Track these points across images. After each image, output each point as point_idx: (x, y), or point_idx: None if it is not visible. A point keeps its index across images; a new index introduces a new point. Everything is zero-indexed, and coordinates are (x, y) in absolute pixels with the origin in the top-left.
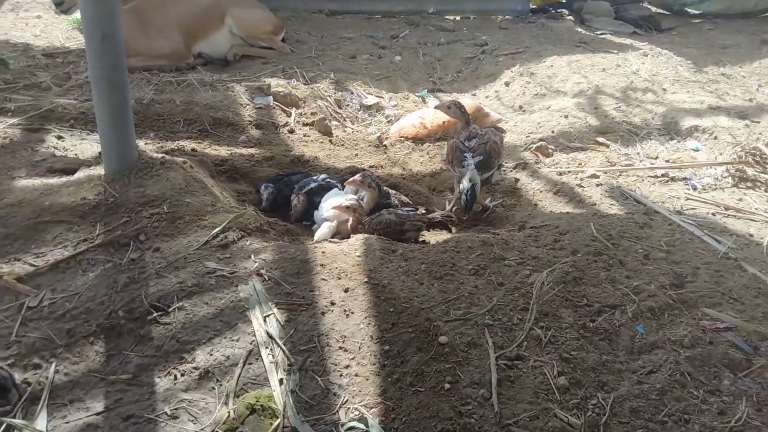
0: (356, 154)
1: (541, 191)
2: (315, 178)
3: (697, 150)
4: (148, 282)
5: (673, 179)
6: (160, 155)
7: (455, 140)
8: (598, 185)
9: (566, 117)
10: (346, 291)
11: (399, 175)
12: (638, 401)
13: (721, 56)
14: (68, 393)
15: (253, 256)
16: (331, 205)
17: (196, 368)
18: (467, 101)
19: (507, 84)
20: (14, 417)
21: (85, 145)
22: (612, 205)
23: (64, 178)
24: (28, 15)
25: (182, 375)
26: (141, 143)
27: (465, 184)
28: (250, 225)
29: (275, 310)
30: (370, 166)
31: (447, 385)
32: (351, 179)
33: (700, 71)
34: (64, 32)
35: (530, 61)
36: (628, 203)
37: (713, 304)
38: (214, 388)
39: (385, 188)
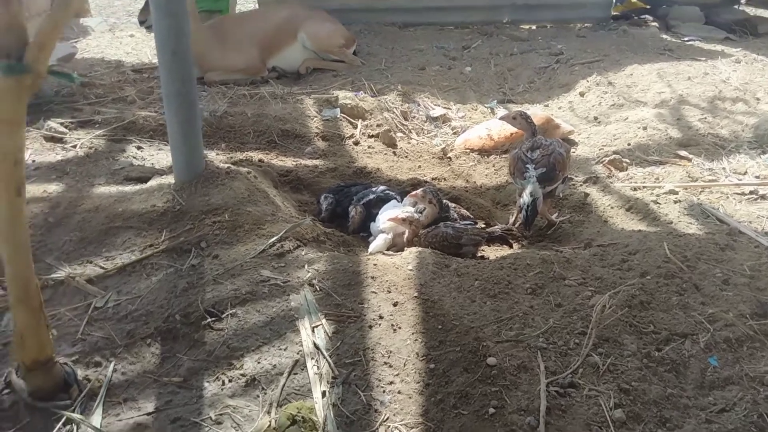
0: (419, 166)
1: (612, 207)
2: (374, 189)
3: None
4: (205, 288)
5: (763, 197)
6: (225, 165)
7: (517, 151)
8: (676, 202)
9: (645, 129)
10: (395, 305)
11: (462, 188)
12: None
13: None
14: (123, 392)
15: (306, 266)
16: (388, 216)
17: (243, 375)
18: (536, 112)
19: (582, 94)
20: (73, 411)
21: (161, 155)
22: (690, 224)
23: (138, 186)
24: (122, 34)
25: (230, 381)
26: (212, 154)
27: (525, 198)
28: (306, 235)
29: (324, 321)
30: (432, 179)
31: (492, 410)
32: (413, 193)
33: None
34: (152, 49)
35: (608, 70)
36: (709, 222)
37: None
38: (258, 396)
39: (444, 201)
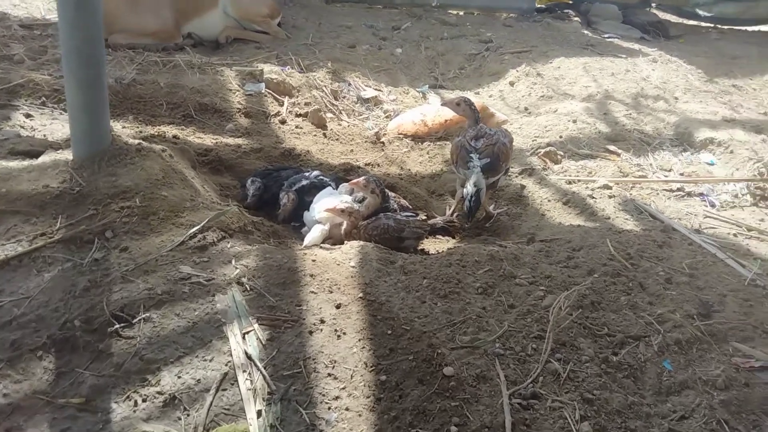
0: (351, 150)
1: (549, 200)
2: (307, 174)
3: (711, 164)
4: (111, 287)
5: (689, 194)
6: (136, 141)
7: (461, 139)
8: (610, 197)
9: (575, 122)
10: (338, 307)
11: (396, 176)
12: None
13: (732, 67)
14: (5, 419)
15: (234, 261)
16: (324, 206)
17: (160, 393)
18: (475, 100)
19: (512, 84)
20: None
21: (56, 126)
22: (627, 219)
23: (27, 162)
24: None
25: (144, 401)
26: (118, 126)
27: (469, 188)
28: (232, 225)
29: (256, 326)
30: (366, 164)
31: (454, 428)
32: (354, 181)
33: (711, 81)
34: (46, 3)
35: (537, 61)
36: (643, 218)
37: (744, 338)
38: (180, 419)
39: (386, 191)
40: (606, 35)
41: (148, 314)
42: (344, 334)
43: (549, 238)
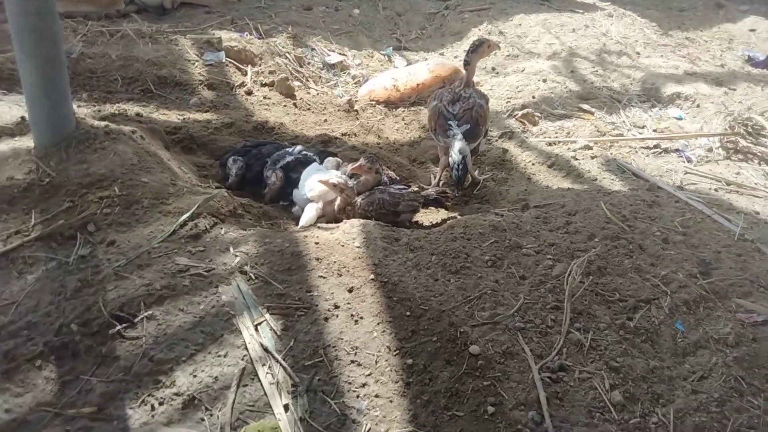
0: (325, 120)
1: (533, 164)
2: (290, 150)
3: (680, 119)
4: (105, 285)
5: (666, 151)
6: (103, 124)
7: (437, 104)
8: (593, 157)
9: (544, 81)
10: (350, 291)
11: (375, 145)
12: (700, 416)
13: (682, 19)
14: None
15: (231, 249)
16: (315, 181)
17: (177, 394)
18: (444, 62)
19: None
20: None
21: (2, 108)
22: (613, 180)
23: None
24: None
25: (161, 404)
26: (73, 106)
27: (455, 157)
28: (222, 209)
29: (267, 316)
30: (342, 134)
31: (491, 408)
32: (357, 165)
33: (666, 34)
34: None
35: (497, 19)
36: (627, 178)
37: (744, 293)
38: (203, 420)
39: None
40: None
41: (150, 312)
42: (361, 318)
43: (542, 203)
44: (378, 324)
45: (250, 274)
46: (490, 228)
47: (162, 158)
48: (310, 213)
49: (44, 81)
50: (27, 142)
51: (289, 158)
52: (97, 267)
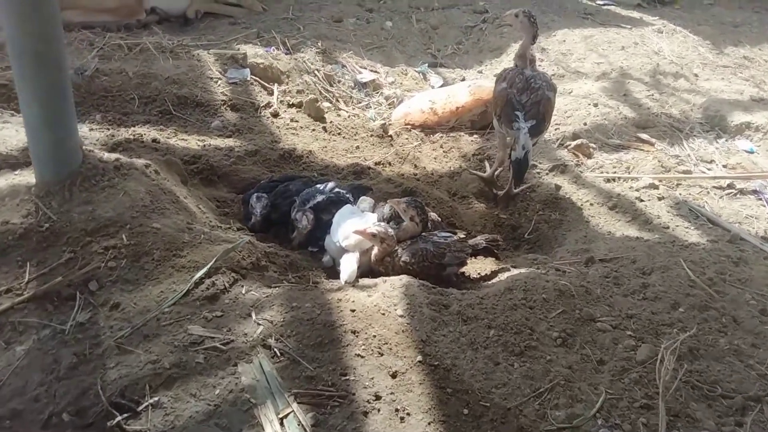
0: (357, 147)
1: (591, 204)
2: (321, 188)
3: (752, 152)
4: (105, 361)
5: (741, 192)
6: (113, 157)
7: (508, 89)
8: (660, 198)
9: (595, 105)
10: (393, 376)
11: (411, 176)
12: None
13: (737, 36)
14: None
15: (254, 314)
16: (351, 229)
17: None
18: (482, 84)
19: None
20: None
21: (9, 132)
22: (687, 229)
23: None
24: None
25: None
26: (84, 128)
27: (518, 152)
28: (243, 261)
29: (295, 406)
30: (375, 164)
31: None
32: (396, 201)
33: (721, 53)
34: None
35: (539, 34)
36: (702, 225)
37: None
38: None
39: (429, 214)
40: (601, 2)
41: (156, 398)
42: (408, 415)
43: (608, 256)
44: (429, 424)
45: (275, 350)
46: (556, 293)
47: (178, 196)
48: (351, 266)
49: (47, 111)
50: (29, 177)
51: (319, 198)
52: (96, 337)
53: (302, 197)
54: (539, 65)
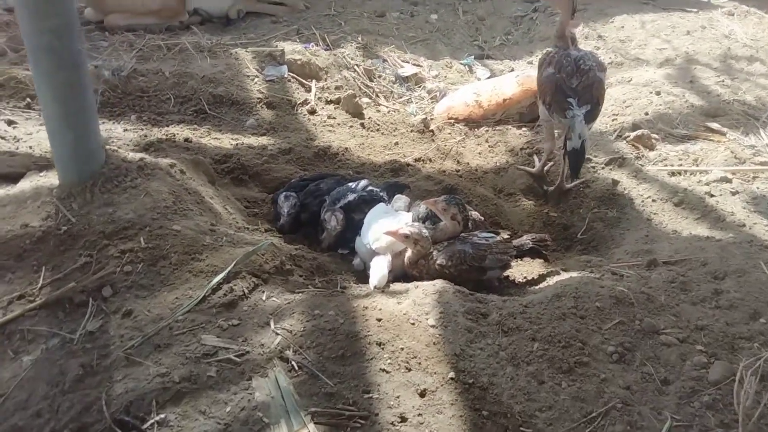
0: (396, 143)
1: (653, 200)
2: (353, 186)
3: None
4: (112, 374)
5: None
6: (137, 157)
7: (556, 74)
8: (733, 193)
9: (658, 94)
10: (422, 395)
11: (453, 172)
12: None
13: None
14: None
15: (273, 323)
16: (382, 230)
17: None
18: (531, 74)
19: None
20: None
21: (44, 134)
22: (767, 227)
23: (2, 190)
24: None
25: None
26: (118, 129)
27: (575, 141)
28: (266, 265)
29: (312, 427)
30: (415, 160)
31: None
32: (431, 201)
33: None
34: None
35: (595, 21)
36: None
37: None
38: None
39: (470, 213)
40: None
41: (163, 414)
42: None
43: (674, 258)
44: None
45: (293, 363)
46: (612, 300)
47: (203, 197)
48: (381, 270)
49: (66, 111)
50: (53, 178)
51: (351, 196)
52: (105, 347)
53: (332, 196)
54: (597, 52)
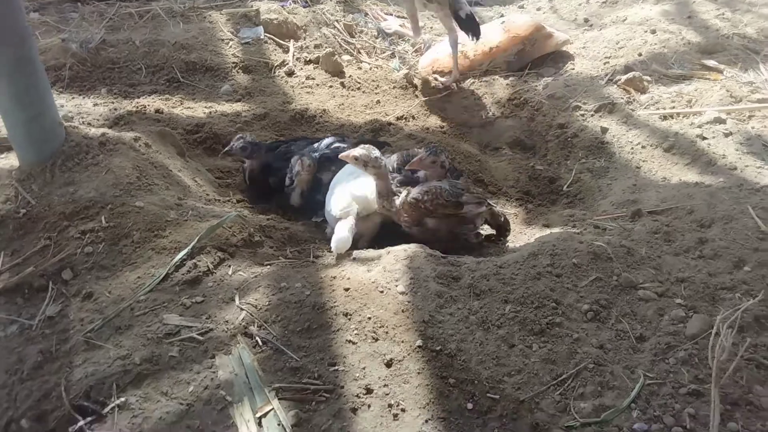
0: (377, 101)
1: (643, 147)
2: (316, 146)
3: None
4: (72, 358)
5: None
6: (99, 132)
7: None
8: (727, 135)
9: (653, 32)
10: (388, 365)
11: (437, 129)
12: None
13: None
14: None
15: (237, 299)
16: (342, 196)
17: None
18: (521, 19)
19: None
20: None
21: None
22: (760, 169)
23: None
24: None
25: None
26: (88, 103)
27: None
28: (233, 238)
29: (276, 403)
30: (397, 118)
31: None
32: (416, 160)
33: None
34: None
35: None
36: None
37: None
38: None
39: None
40: None
41: (124, 398)
42: (403, 411)
43: (660, 207)
44: (426, 422)
45: (257, 338)
46: (590, 256)
47: (170, 170)
48: (341, 234)
49: (15, 90)
50: (14, 160)
51: (314, 155)
52: (65, 332)
53: (295, 158)
54: None
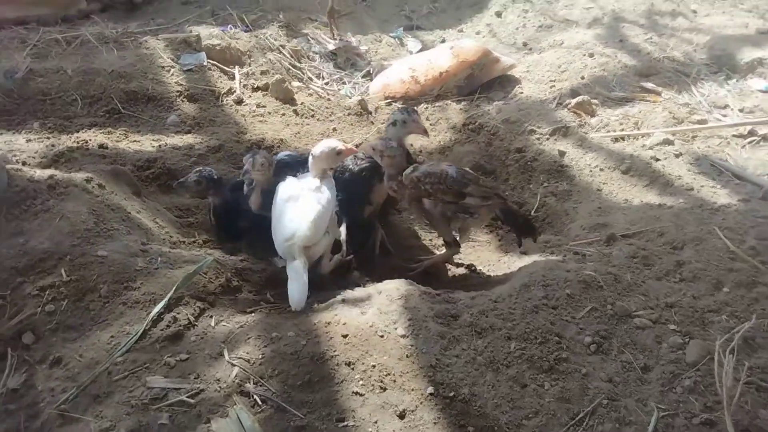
0: (333, 129)
1: (601, 169)
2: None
3: (767, 91)
4: None
5: (765, 138)
6: (46, 175)
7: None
8: (677, 155)
9: (591, 56)
10: (401, 417)
11: None
12: None
13: None
14: None
15: (227, 354)
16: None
17: None
18: (468, 44)
19: (499, 14)
20: None
21: None
22: (714, 188)
23: None
24: None
25: None
26: (21, 140)
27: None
28: (210, 285)
29: None
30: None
31: None
32: (370, 146)
33: None
34: None
35: None
36: (728, 181)
37: None
38: None
39: None
40: None
41: None
42: None
43: (631, 230)
44: None
45: (255, 396)
46: (581, 286)
47: (129, 212)
48: (297, 289)
49: None
50: None
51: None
52: (34, 406)
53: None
54: (524, 17)
